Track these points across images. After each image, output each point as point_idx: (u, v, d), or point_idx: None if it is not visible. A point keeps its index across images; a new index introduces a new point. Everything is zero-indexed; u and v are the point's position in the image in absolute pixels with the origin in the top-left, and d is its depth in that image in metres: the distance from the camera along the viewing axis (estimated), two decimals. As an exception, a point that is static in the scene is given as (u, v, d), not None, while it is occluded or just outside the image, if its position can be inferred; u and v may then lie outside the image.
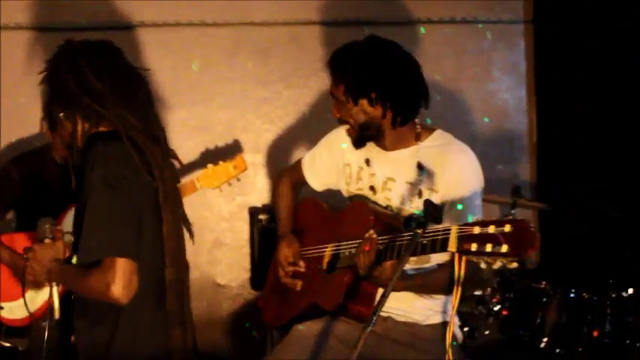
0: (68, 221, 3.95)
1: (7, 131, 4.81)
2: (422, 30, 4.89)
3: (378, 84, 3.22)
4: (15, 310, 4.12)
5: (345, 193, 3.53)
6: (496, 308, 4.21)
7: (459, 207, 3.15)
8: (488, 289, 4.24)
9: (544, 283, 4.13)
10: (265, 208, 4.69)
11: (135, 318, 2.80)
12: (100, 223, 2.68)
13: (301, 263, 3.51)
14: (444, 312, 3.31)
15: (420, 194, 3.25)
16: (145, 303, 2.80)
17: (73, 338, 2.89)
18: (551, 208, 4.45)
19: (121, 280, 2.67)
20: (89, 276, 2.70)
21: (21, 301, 4.02)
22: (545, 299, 4.10)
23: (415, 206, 3.25)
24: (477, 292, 4.25)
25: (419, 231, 2.79)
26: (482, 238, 2.64)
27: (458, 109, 5.01)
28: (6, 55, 4.79)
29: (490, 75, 5.06)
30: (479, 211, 3.18)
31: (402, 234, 3.02)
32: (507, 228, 2.61)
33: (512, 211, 4.30)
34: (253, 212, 4.77)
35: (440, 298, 3.31)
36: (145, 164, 2.78)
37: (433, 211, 2.81)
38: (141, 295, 2.76)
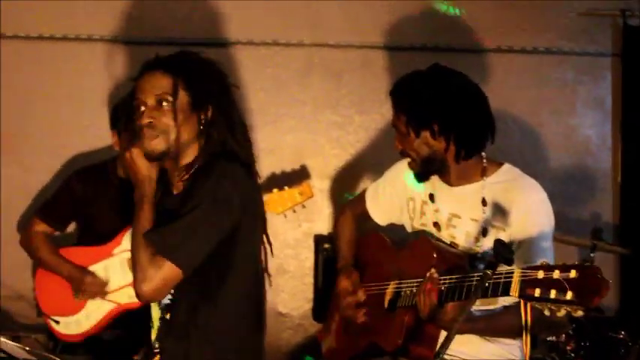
0: (126, 241, 4.07)
1: (73, 143, 4.95)
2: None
3: (440, 115, 3.21)
4: (71, 326, 4.25)
5: (409, 229, 3.54)
6: (570, 356, 4.16)
7: (526, 248, 3.12)
8: (563, 335, 4.18)
9: (623, 332, 4.08)
10: (331, 237, 4.66)
11: (238, 340, 2.94)
12: (184, 229, 2.80)
13: (361, 293, 3.51)
14: (512, 358, 3.27)
15: (484, 232, 3.24)
16: (247, 324, 2.98)
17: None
18: (634, 253, 4.40)
19: (156, 282, 2.78)
20: (146, 250, 2.81)
21: (77, 316, 4.20)
22: (623, 350, 4.05)
23: (481, 245, 3.24)
24: (551, 338, 4.19)
25: (489, 272, 2.77)
26: (546, 284, 2.62)
27: (536, 144, 4.96)
28: (79, 67, 4.94)
29: (573, 109, 5.01)
30: (548, 254, 3.14)
31: (468, 274, 3.02)
32: (573, 274, 2.59)
33: (592, 255, 4.25)
34: (319, 240, 4.79)
35: (508, 343, 3.27)
36: (256, 188, 2.98)
37: (504, 252, 2.78)
38: (241, 317, 2.94)
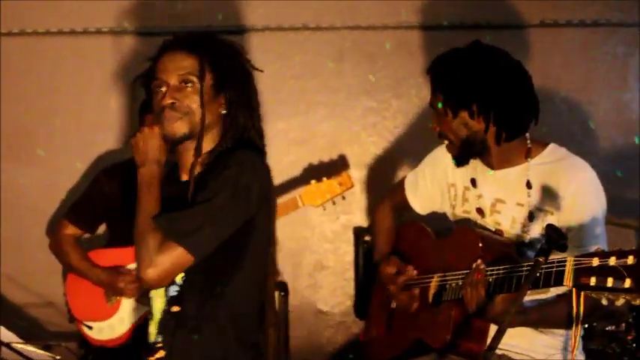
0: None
1: (99, 141, 4.99)
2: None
3: (479, 94, 3.21)
4: (104, 331, 4.29)
5: (451, 217, 3.54)
6: (631, 346, 4.10)
7: (577, 233, 3.11)
8: (623, 324, 4.13)
9: (687, 320, 4.03)
10: (372, 229, 4.70)
11: (244, 334, 2.94)
12: (201, 215, 2.81)
13: (410, 270, 3.50)
14: (569, 350, 3.26)
15: (531, 217, 3.24)
16: (253, 318, 2.97)
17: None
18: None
19: (165, 268, 2.78)
20: (154, 233, 2.81)
21: (110, 321, 4.24)
22: (687, 338, 4.00)
23: (528, 231, 3.24)
24: (610, 328, 4.14)
25: (540, 259, 2.75)
26: (603, 272, 2.62)
27: (586, 122, 4.93)
28: (96, 60, 4.98)
29: (625, 84, 4.97)
30: (601, 239, 3.13)
31: (517, 264, 3.01)
32: (631, 260, 2.58)
33: (650, 238, 4.24)
34: (358, 233, 4.81)
35: (563, 334, 3.27)
36: (270, 177, 2.98)
37: (557, 237, 2.76)
38: (248, 310, 2.95)
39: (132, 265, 4.21)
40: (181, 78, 2.91)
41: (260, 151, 2.99)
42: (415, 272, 3.49)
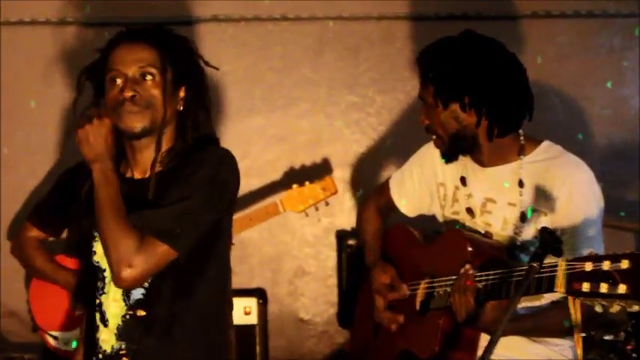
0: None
1: (63, 139, 4.93)
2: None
3: (471, 85, 3.20)
4: (71, 342, 4.26)
5: (440, 218, 3.52)
6: (631, 356, 4.10)
7: (570, 236, 3.10)
8: (622, 333, 4.14)
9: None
10: (355, 232, 4.68)
11: (213, 336, 2.97)
12: (183, 213, 2.82)
13: (404, 289, 3.48)
14: (564, 360, 3.26)
15: (523, 218, 3.22)
16: (222, 319, 3.00)
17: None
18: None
19: (147, 267, 2.80)
20: (127, 232, 2.80)
21: (78, 331, 4.18)
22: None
23: (520, 232, 3.23)
24: (608, 337, 4.15)
25: (535, 265, 2.73)
26: (596, 277, 2.60)
27: (581, 119, 4.93)
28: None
29: (622, 78, 4.96)
30: (596, 243, 3.12)
31: (508, 268, 2.99)
32: (625, 264, 2.56)
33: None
34: (341, 236, 4.81)
35: (557, 343, 3.26)
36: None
37: (552, 241, 2.74)
38: (217, 312, 2.98)
39: None
40: (141, 70, 2.92)
41: (218, 146, 3.03)
42: (407, 293, 3.47)
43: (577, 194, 3.16)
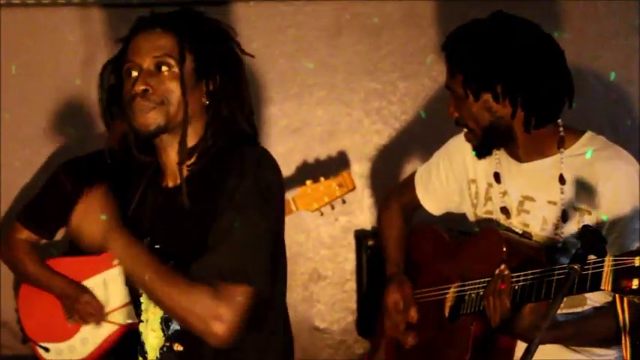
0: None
1: (57, 130, 4.97)
2: None
3: (505, 73, 3.17)
4: (63, 353, 4.27)
5: (472, 217, 3.51)
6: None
7: (617, 233, 3.09)
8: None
9: None
10: (375, 232, 4.70)
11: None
12: (242, 243, 2.72)
13: (412, 312, 3.50)
14: (620, 365, 3.26)
15: (564, 217, 3.21)
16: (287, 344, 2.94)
17: None
18: None
19: (235, 315, 2.68)
20: (194, 290, 2.69)
21: (71, 341, 4.24)
22: None
23: (561, 233, 3.22)
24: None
25: (576, 267, 2.70)
26: None
27: (627, 105, 4.93)
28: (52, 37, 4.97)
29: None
30: None
31: (547, 269, 2.98)
32: None
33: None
34: (361, 237, 4.84)
35: (601, 354, 3.25)
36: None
37: (595, 241, 2.72)
38: (283, 337, 2.91)
39: (90, 281, 4.21)
40: (157, 61, 2.81)
41: (256, 145, 2.91)
42: (416, 318, 3.48)
43: (623, 190, 3.14)
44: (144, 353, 2.89)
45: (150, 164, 2.94)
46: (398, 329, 3.52)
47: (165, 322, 2.83)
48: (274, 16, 4.99)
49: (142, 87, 2.80)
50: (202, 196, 2.79)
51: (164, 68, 2.81)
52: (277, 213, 2.82)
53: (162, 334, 2.85)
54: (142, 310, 2.88)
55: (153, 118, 2.80)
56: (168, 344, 2.84)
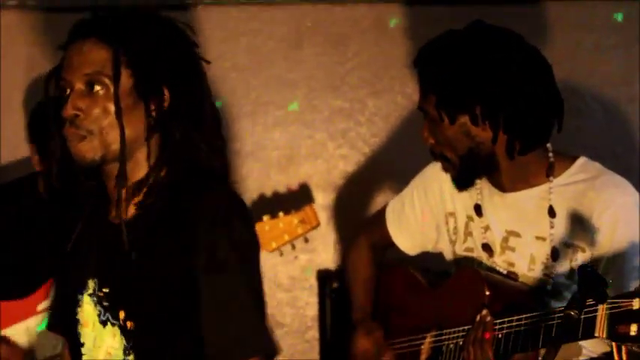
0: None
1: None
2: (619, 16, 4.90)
3: (483, 92, 3.21)
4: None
5: (449, 256, 3.55)
6: None
7: (615, 271, 3.13)
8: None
9: None
10: (341, 272, 4.67)
11: None
12: (235, 313, 2.75)
13: (388, 356, 3.54)
14: None
15: (554, 255, 3.26)
16: None
17: None
18: None
19: None
20: None
21: None
22: None
23: (552, 273, 3.26)
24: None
25: (573, 313, 2.72)
26: None
27: (626, 127, 4.93)
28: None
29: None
30: None
31: (536, 314, 3.02)
32: None
33: None
34: (324, 278, 4.86)
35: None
36: None
37: (594, 283, 2.73)
38: None
39: (11, 329, 4.21)
40: (88, 79, 2.75)
41: (225, 184, 2.86)
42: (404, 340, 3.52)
43: (622, 223, 3.19)
44: None
45: (92, 191, 2.89)
46: None
47: None
48: (225, 22, 4.97)
49: (71, 112, 2.74)
50: (155, 241, 2.77)
51: (97, 87, 2.75)
52: (258, 268, 2.81)
53: None
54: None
55: (85, 150, 2.76)
56: None
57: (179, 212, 2.76)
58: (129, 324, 2.80)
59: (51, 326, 3.25)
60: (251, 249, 2.80)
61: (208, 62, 2.95)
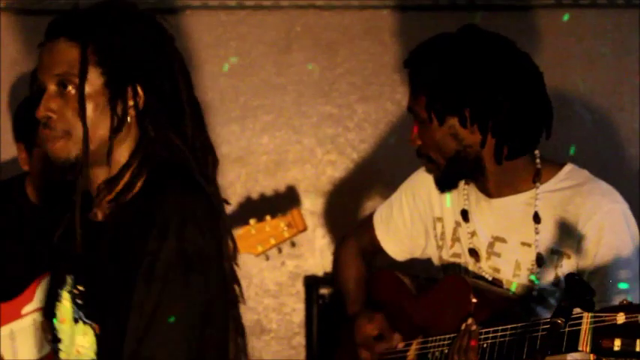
0: (40, 296, 4.07)
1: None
2: (565, 17, 4.89)
3: (473, 95, 3.22)
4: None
5: (437, 262, 3.56)
6: None
7: (599, 282, 3.12)
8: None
9: None
10: (329, 279, 4.71)
11: None
12: (162, 324, 2.68)
13: (397, 337, 3.50)
14: None
15: (539, 261, 3.26)
16: None
17: None
18: None
19: None
20: None
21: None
22: None
23: (537, 279, 3.26)
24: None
25: (559, 321, 2.72)
26: (631, 331, 2.61)
27: (615, 135, 4.96)
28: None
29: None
30: (632, 289, 3.13)
31: (521, 323, 3.02)
32: None
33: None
34: (311, 284, 4.85)
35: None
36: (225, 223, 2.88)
37: (580, 292, 2.74)
38: None
39: None
40: (59, 79, 2.75)
41: (196, 183, 2.80)
42: (402, 344, 3.50)
43: (608, 231, 3.19)
44: None
45: (77, 188, 2.86)
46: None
47: None
48: (214, 27, 4.98)
49: (43, 114, 2.75)
50: (119, 242, 2.75)
51: (69, 87, 2.75)
52: (209, 281, 2.73)
53: None
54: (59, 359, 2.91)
55: (59, 150, 2.76)
56: None
57: (142, 214, 2.72)
58: (95, 325, 2.79)
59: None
60: (202, 259, 2.71)
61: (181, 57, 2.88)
